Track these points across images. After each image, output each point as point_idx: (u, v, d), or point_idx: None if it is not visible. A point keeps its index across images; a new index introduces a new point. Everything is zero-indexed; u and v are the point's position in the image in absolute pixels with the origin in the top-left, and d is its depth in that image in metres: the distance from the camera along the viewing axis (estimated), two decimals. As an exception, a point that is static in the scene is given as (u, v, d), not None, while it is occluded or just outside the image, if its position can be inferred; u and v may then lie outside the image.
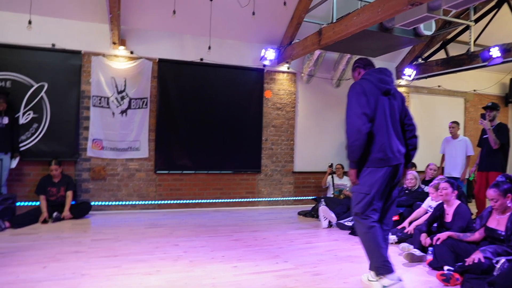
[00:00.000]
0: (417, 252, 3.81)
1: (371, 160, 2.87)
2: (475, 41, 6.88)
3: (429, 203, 4.60)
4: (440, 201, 4.14)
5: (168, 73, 6.54)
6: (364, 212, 2.86)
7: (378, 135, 2.87)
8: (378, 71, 3.05)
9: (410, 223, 4.56)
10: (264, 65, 7.10)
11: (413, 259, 3.74)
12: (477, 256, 3.07)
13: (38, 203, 5.46)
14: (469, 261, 3.08)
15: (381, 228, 2.90)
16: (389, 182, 2.90)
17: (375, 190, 2.84)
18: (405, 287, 2.86)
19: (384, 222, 3.00)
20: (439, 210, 4.04)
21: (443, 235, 3.54)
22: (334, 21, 5.33)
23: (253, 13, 5.69)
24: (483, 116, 5.45)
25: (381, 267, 2.81)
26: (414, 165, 7.04)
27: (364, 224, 2.87)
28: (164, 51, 6.51)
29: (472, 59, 6.78)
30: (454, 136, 6.39)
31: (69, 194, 5.57)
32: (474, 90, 9.19)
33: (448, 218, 3.93)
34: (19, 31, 5.65)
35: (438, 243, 3.51)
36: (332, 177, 7.04)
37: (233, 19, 6.52)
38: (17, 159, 5.57)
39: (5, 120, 5.36)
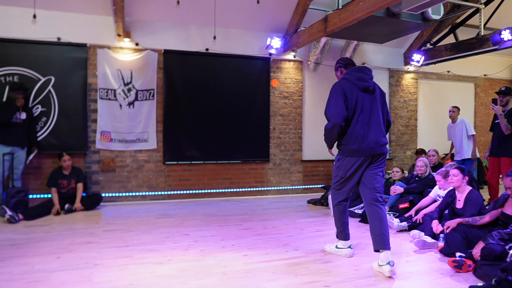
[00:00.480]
0: (428, 239, 3.79)
1: (348, 150, 3.29)
2: (485, 24, 6.75)
3: (438, 192, 4.57)
4: (451, 188, 4.10)
5: (174, 64, 6.53)
6: (340, 190, 3.47)
7: (356, 129, 3.23)
8: (357, 70, 3.39)
9: (417, 212, 4.53)
10: (270, 54, 7.05)
11: (424, 246, 3.72)
12: (478, 249, 3.06)
13: (49, 195, 5.53)
14: (474, 255, 3.07)
15: (347, 206, 3.57)
16: (365, 168, 3.30)
17: (348, 174, 3.32)
18: (352, 254, 3.54)
19: (368, 197, 3.31)
20: (450, 197, 4.01)
21: (452, 223, 3.50)
22: (340, 7, 5.25)
23: (258, 1, 5.63)
24: (494, 101, 5.39)
25: (340, 233, 3.57)
26: (424, 152, 6.99)
27: (336, 197, 3.53)
28: (169, 42, 6.48)
29: (482, 43, 6.66)
30: (454, 120, 6.53)
31: (80, 186, 5.64)
32: (485, 75, 9.04)
33: (460, 204, 3.89)
34: (24, 26, 5.66)
35: (448, 231, 3.48)
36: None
37: (238, 8, 6.46)
38: (35, 152, 5.64)
39: (23, 116, 5.41)
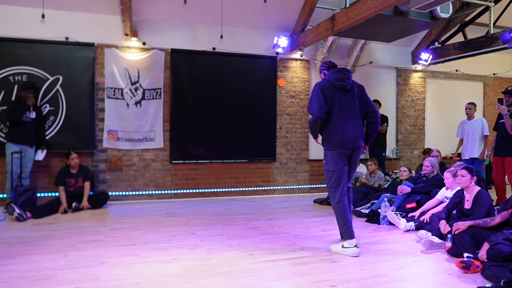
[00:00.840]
0: (436, 239, 3.76)
1: (331, 144, 3.62)
2: (494, 22, 6.66)
3: (445, 194, 4.52)
4: (460, 188, 4.06)
5: (181, 63, 6.54)
6: (337, 186, 3.62)
7: (336, 124, 3.59)
8: (336, 71, 3.75)
9: (422, 214, 4.50)
10: (277, 53, 7.03)
11: (431, 246, 3.69)
12: (484, 251, 3.02)
13: (57, 194, 5.58)
14: (481, 257, 3.04)
15: (347, 202, 3.67)
16: (347, 159, 3.68)
17: (339, 166, 3.61)
18: (359, 253, 3.53)
19: (350, 184, 3.80)
20: (458, 197, 3.97)
21: (463, 226, 3.40)
22: (347, 6, 5.22)
23: (265, 0, 5.62)
24: (500, 101, 5.33)
25: (345, 232, 3.59)
26: (430, 151, 6.91)
27: (335, 196, 3.63)
28: (176, 41, 6.50)
29: (491, 42, 6.58)
30: (470, 117, 6.37)
31: (87, 184, 5.67)
32: (494, 74, 8.93)
33: (468, 204, 3.85)
34: (33, 25, 5.71)
35: (457, 233, 3.39)
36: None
37: (245, 7, 6.46)
38: (44, 151, 5.68)
39: (33, 115, 5.45)
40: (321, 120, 3.57)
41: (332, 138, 3.60)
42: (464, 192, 3.93)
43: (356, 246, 3.54)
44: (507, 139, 5.38)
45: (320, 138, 3.78)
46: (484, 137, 6.20)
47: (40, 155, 5.64)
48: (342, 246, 3.60)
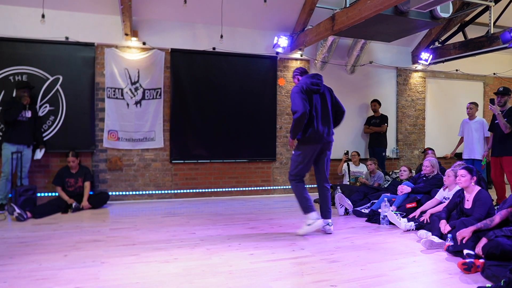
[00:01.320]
0: (436, 239, 3.75)
1: (305, 140, 4.15)
2: (495, 22, 6.66)
3: (443, 194, 4.52)
4: (459, 188, 4.06)
5: (181, 63, 6.54)
6: (296, 175, 4.24)
7: (312, 123, 4.12)
8: (310, 76, 4.32)
9: (422, 213, 4.50)
10: (277, 53, 7.03)
11: (432, 246, 3.69)
12: (480, 247, 3.05)
13: (57, 193, 5.58)
14: (478, 252, 3.06)
15: (305, 184, 4.34)
16: (318, 154, 4.24)
17: (307, 160, 4.20)
18: (320, 225, 4.16)
19: (322, 179, 4.37)
20: (459, 197, 3.97)
21: (467, 233, 3.32)
22: (347, 5, 5.22)
23: (265, 0, 5.62)
24: (492, 101, 5.34)
25: (306, 207, 4.18)
26: (426, 153, 6.90)
27: (295, 183, 4.27)
28: (176, 41, 6.50)
29: (492, 41, 6.57)
30: (471, 117, 6.34)
31: (87, 184, 5.67)
32: (494, 74, 8.93)
33: (468, 204, 3.85)
34: (33, 25, 5.71)
35: (464, 241, 3.31)
36: (348, 164, 6.99)
37: (245, 6, 6.46)
38: (43, 150, 5.68)
39: (28, 114, 5.46)
40: (307, 115, 4.02)
41: (307, 135, 4.13)
42: (464, 192, 3.93)
43: (318, 218, 4.15)
44: (502, 138, 5.39)
45: (294, 141, 4.23)
46: (486, 138, 6.17)
47: (39, 154, 5.63)
48: (308, 225, 4.14)
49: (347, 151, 7.06)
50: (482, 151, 6.15)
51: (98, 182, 6.19)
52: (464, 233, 3.34)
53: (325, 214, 4.29)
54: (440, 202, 4.49)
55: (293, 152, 4.33)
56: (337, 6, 5.91)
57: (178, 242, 3.91)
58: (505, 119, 5.27)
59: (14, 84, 5.69)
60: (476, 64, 8.55)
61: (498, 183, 5.64)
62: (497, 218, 3.41)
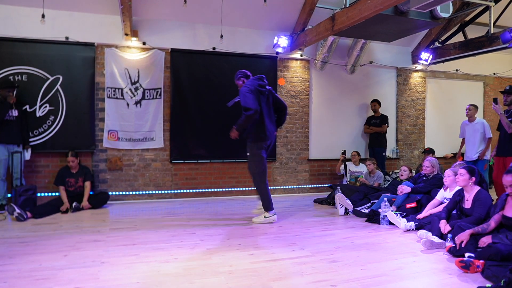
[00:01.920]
0: (436, 239, 3.75)
1: (258, 138, 4.65)
2: (495, 22, 6.66)
3: (444, 195, 4.52)
4: (459, 187, 4.06)
5: (181, 63, 6.54)
6: (263, 172, 4.73)
7: (262, 121, 4.62)
8: (257, 78, 4.73)
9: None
10: (277, 53, 7.03)
11: (431, 246, 3.69)
12: (487, 240, 3.07)
13: (58, 193, 5.59)
14: (480, 244, 3.08)
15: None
16: (266, 148, 4.78)
17: (264, 155, 4.71)
18: (275, 219, 4.77)
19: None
20: (459, 196, 3.97)
21: (465, 237, 3.33)
22: (347, 5, 5.23)
23: (265, 0, 5.61)
24: (495, 100, 5.30)
25: (269, 206, 4.75)
26: (432, 151, 6.91)
27: (262, 180, 4.73)
28: (176, 41, 6.50)
29: (492, 41, 6.57)
30: (471, 119, 6.28)
31: (87, 184, 5.67)
32: (494, 74, 8.93)
33: (468, 204, 3.85)
34: (33, 25, 5.71)
35: (463, 245, 3.31)
36: (345, 164, 7.00)
37: (245, 6, 6.46)
38: (29, 150, 5.64)
39: (15, 113, 5.43)
40: (257, 113, 4.46)
41: (260, 133, 4.61)
42: (464, 191, 3.93)
43: (275, 214, 4.77)
44: (507, 138, 5.35)
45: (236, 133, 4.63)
46: (488, 139, 6.11)
47: (27, 155, 5.59)
48: (264, 217, 4.73)
49: (345, 151, 7.07)
50: (480, 151, 6.12)
51: (98, 182, 6.19)
52: (462, 237, 3.35)
53: (269, 205, 4.82)
54: (441, 203, 4.49)
55: (248, 154, 4.76)
56: (337, 6, 5.92)
57: (178, 242, 3.91)
58: (510, 119, 5.23)
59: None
60: (476, 64, 8.55)
61: (499, 183, 5.61)
62: (492, 223, 3.40)
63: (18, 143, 5.49)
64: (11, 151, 5.39)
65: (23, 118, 5.59)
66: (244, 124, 4.51)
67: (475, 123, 6.24)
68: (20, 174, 5.46)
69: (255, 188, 4.86)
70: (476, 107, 6.34)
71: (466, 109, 6.31)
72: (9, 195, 5.50)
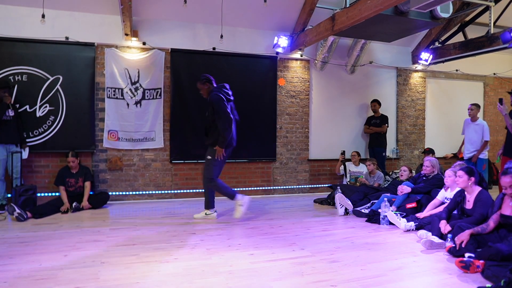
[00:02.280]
0: (436, 239, 3.75)
1: (228, 144, 4.83)
2: (495, 22, 6.66)
3: (444, 195, 4.52)
4: (459, 188, 4.06)
5: (181, 63, 6.54)
6: (219, 172, 4.94)
7: (230, 129, 4.80)
8: (223, 87, 4.98)
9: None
10: (277, 53, 7.03)
11: (432, 246, 3.69)
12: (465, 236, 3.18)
13: (58, 193, 5.58)
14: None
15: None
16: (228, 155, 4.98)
17: (225, 161, 4.98)
18: (248, 200, 4.91)
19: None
20: (460, 196, 3.97)
21: (465, 236, 3.34)
22: (348, 5, 5.23)
23: (265, 0, 5.61)
24: (500, 101, 5.29)
25: (231, 193, 4.87)
26: (432, 152, 6.92)
27: (215, 182, 4.88)
28: (176, 41, 6.50)
29: (492, 41, 6.57)
30: (473, 118, 6.30)
31: (87, 184, 5.67)
32: (494, 74, 8.93)
33: (469, 205, 3.85)
34: (33, 25, 5.71)
35: (463, 246, 3.32)
36: (345, 164, 7.00)
37: (245, 6, 6.46)
38: (27, 149, 5.64)
39: (11, 113, 5.41)
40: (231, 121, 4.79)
41: (229, 139, 4.78)
42: (466, 192, 3.93)
43: (215, 211, 5.04)
44: None
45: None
46: (484, 142, 6.12)
47: (24, 154, 5.59)
48: (205, 214, 4.97)
49: (344, 151, 7.07)
50: (472, 152, 6.13)
51: (98, 182, 6.19)
52: (462, 237, 3.35)
53: (233, 195, 4.91)
54: (442, 203, 4.48)
55: (209, 157, 4.83)
56: (337, 6, 5.91)
57: (178, 242, 3.92)
58: None
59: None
60: (476, 64, 8.55)
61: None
62: (491, 223, 3.41)
63: (16, 143, 5.49)
64: (9, 151, 5.39)
65: (18, 117, 5.57)
66: (228, 136, 4.74)
67: (476, 124, 6.27)
68: (16, 174, 5.45)
69: (204, 187, 5.03)
70: (478, 106, 6.36)
71: (468, 109, 6.34)
72: (8, 195, 5.50)
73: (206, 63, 6.65)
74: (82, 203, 5.50)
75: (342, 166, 7.05)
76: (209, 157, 4.84)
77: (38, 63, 5.83)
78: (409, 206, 4.85)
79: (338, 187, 5.80)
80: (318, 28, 6.08)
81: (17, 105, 5.67)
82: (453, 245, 3.46)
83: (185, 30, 6.55)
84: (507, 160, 5.42)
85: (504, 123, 5.75)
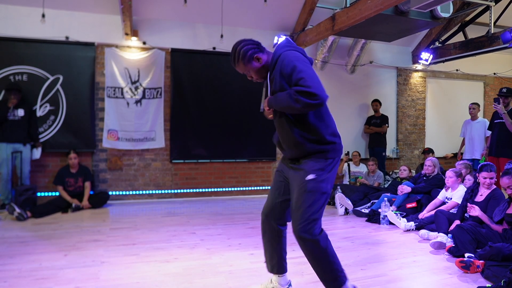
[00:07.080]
0: (444, 239, 3.71)
1: (331, 146, 2.52)
2: (495, 22, 6.65)
3: (445, 195, 4.52)
4: (463, 188, 4.07)
5: (181, 63, 6.54)
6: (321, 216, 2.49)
7: (328, 114, 2.76)
8: (295, 45, 2.53)
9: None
10: (277, 53, 7.01)
11: (440, 247, 3.64)
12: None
13: (57, 193, 5.58)
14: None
15: None
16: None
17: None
18: None
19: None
20: (471, 192, 3.97)
21: (477, 211, 3.50)
22: (348, 5, 5.23)
23: (265, 0, 5.61)
24: (496, 100, 5.29)
25: (340, 277, 2.42)
26: (431, 151, 6.92)
27: (322, 234, 2.51)
28: (177, 40, 6.49)
29: (492, 41, 6.57)
30: (474, 117, 6.35)
31: (87, 184, 5.67)
32: (494, 74, 8.92)
33: (480, 198, 3.83)
34: (33, 25, 5.70)
35: (471, 212, 3.50)
36: (348, 165, 6.99)
37: (245, 6, 6.45)
38: (39, 149, 5.67)
39: (20, 113, 5.44)
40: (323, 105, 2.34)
41: (330, 137, 2.43)
42: (480, 187, 3.92)
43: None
44: (501, 139, 5.35)
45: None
46: (486, 138, 6.18)
47: (37, 153, 5.63)
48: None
49: (348, 152, 7.07)
50: (482, 151, 6.16)
51: (98, 182, 6.18)
52: (477, 212, 3.51)
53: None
54: (443, 203, 4.48)
55: (311, 177, 2.32)
56: (337, 6, 5.91)
57: (178, 242, 3.91)
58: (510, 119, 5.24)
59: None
60: (476, 64, 8.54)
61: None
62: (499, 228, 3.42)
63: (24, 143, 5.50)
64: (14, 150, 5.39)
65: (31, 117, 5.60)
66: (294, 107, 2.34)
67: (477, 122, 6.35)
68: (24, 174, 5.46)
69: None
70: (479, 105, 6.46)
71: (470, 108, 6.40)
72: (9, 195, 5.51)
73: (206, 63, 6.65)
74: (82, 203, 5.50)
75: (345, 166, 7.04)
76: (311, 176, 2.31)
77: (38, 62, 5.83)
78: (409, 206, 4.85)
79: (338, 187, 5.80)
80: (318, 28, 6.07)
81: (34, 107, 5.73)
82: (453, 245, 3.46)
83: (185, 29, 6.55)
84: (494, 161, 5.44)
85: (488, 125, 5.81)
